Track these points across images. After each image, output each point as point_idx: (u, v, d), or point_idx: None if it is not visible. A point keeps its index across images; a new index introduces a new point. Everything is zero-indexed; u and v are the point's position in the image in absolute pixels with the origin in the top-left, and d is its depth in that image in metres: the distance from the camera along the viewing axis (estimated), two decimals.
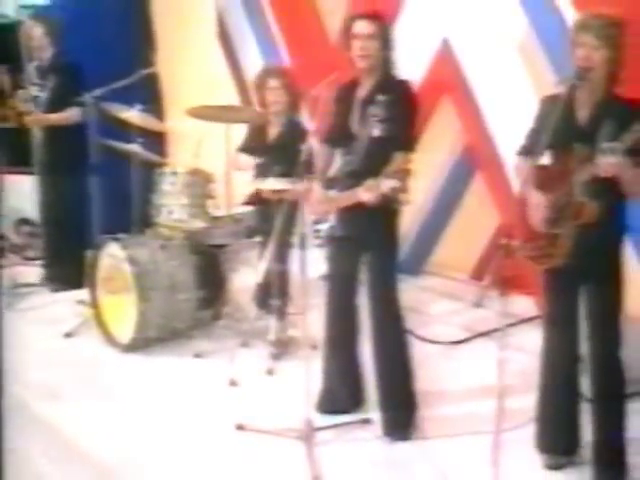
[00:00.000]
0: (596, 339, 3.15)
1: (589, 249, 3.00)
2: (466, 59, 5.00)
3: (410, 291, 5.55)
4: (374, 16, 3.52)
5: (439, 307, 5.38)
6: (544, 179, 3.06)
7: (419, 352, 4.37)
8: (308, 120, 4.63)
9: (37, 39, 5.58)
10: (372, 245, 3.52)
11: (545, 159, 3.10)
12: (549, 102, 3.10)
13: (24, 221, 6.88)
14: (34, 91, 5.61)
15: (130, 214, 5.11)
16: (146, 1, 6.89)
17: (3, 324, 3.06)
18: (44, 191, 5.83)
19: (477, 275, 5.59)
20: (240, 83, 6.67)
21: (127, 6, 6.68)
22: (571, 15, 4.27)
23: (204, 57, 6.79)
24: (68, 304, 5.33)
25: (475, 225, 5.35)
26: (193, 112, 4.34)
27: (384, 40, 3.50)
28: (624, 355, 3.21)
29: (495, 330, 4.69)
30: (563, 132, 2.99)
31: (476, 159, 5.18)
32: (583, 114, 3.05)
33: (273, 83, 4.60)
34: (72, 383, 4.28)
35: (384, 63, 3.52)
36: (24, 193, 6.22)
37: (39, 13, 5.98)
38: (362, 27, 3.48)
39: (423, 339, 4.73)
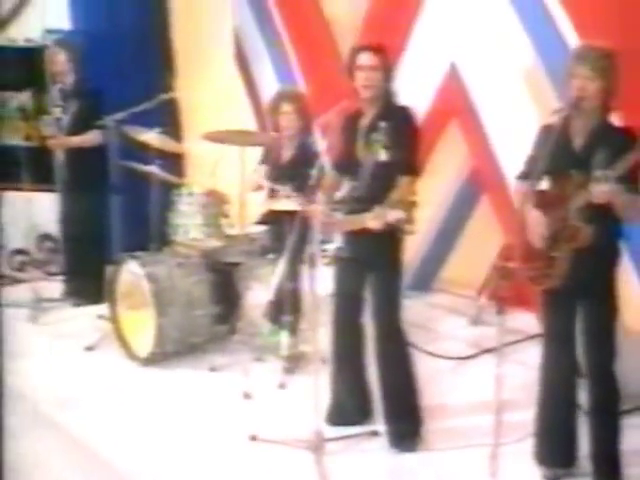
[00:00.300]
0: (592, 355, 3.34)
1: (584, 271, 3.19)
2: (473, 84, 5.21)
3: (419, 308, 5.83)
4: (377, 48, 3.74)
5: (447, 324, 5.56)
6: (542, 203, 3.26)
7: (427, 367, 4.60)
8: (320, 142, 4.85)
9: (60, 64, 5.85)
10: (376, 267, 3.73)
11: (543, 184, 3.31)
12: (547, 130, 3.29)
13: (46, 237, 7.09)
14: (57, 113, 5.88)
15: (148, 232, 5.33)
16: (166, 26, 7.11)
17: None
18: (65, 209, 6.08)
19: (483, 291, 5.77)
20: (256, 105, 6.91)
21: (147, 32, 6.88)
22: (575, 42, 4.49)
23: (221, 80, 7.02)
24: (89, 318, 5.56)
25: (483, 243, 5.52)
26: (209, 136, 4.57)
27: (386, 71, 3.73)
28: (625, 370, 3.39)
29: (504, 346, 4.92)
30: (559, 159, 3.19)
31: (482, 182, 5.38)
32: (579, 141, 3.25)
33: (286, 108, 4.82)
34: (93, 394, 4.50)
35: (386, 93, 3.74)
36: (46, 209, 6.52)
37: (63, 39, 6.21)
38: (366, 59, 3.70)
39: (431, 354, 4.93)
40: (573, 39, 4.54)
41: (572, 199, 3.13)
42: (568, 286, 3.23)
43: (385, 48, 3.78)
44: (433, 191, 5.37)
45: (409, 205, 3.40)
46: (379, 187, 3.59)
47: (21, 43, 6.76)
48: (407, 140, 3.66)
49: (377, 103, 3.74)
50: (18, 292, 6.11)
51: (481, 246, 5.54)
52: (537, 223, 3.25)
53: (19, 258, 7.05)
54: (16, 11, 6.87)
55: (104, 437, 4.02)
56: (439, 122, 5.40)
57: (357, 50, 3.74)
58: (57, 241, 6.82)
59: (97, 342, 5.12)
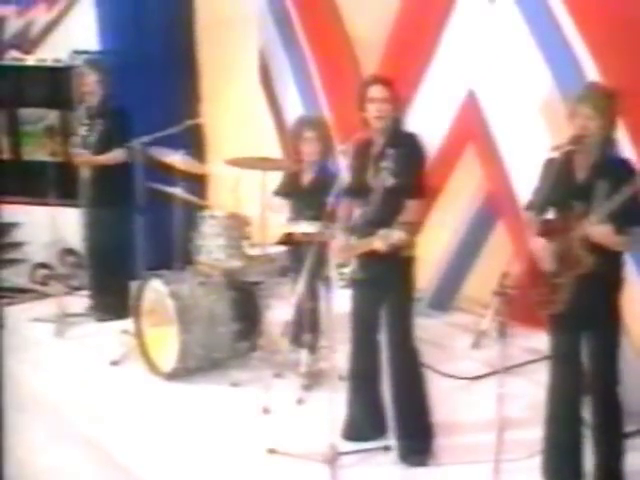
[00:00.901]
0: (596, 379, 3.60)
1: (587, 297, 3.45)
2: (490, 111, 5.50)
3: (437, 327, 6.10)
4: (387, 81, 4.06)
5: (464, 343, 5.80)
6: (546, 232, 3.52)
7: (441, 386, 4.88)
8: (339, 168, 5.14)
9: (89, 84, 6.14)
10: (389, 288, 4.01)
11: (549, 214, 3.57)
12: (551, 163, 3.55)
13: (69, 251, 7.34)
14: (83, 131, 6.20)
15: (172, 251, 5.63)
16: (192, 47, 7.44)
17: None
18: (90, 225, 6.37)
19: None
20: (280, 126, 7.21)
21: (173, 53, 7.20)
22: (591, 71, 4.76)
23: (246, 101, 7.35)
24: (113, 333, 5.87)
25: (502, 261, 5.78)
26: (232, 162, 4.87)
27: (395, 103, 4.03)
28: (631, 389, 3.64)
29: (517, 366, 5.17)
30: (563, 191, 3.46)
31: (498, 207, 5.64)
32: (581, 174, 3.51)
33: (308, 134, 5.09)
34: (119, 408, 4.81)
35: (395, 122, 4.04)
36: (69, 224, 6.78)
37: (92, 59, 6.51)
38: (377, 92, 4.01)
39: (445, 374, 5.18)
40: (590, 68, 4.82)
41: (574, 229, 3.39)
42: (573, 311, 3.48)
43: (394, 81, 4.09)
44: (451, 214, 5.65)
45: (414, 227, 3.70)
46: (388, 211, 3.91)
47: (49, 63, 7.05)
48: (414, 166, 3.97)
49: (386, 132, 4.04)
50: (43, 307, 6.44)
51: (501, 263, 5.79)
52: (542, 250, 3.51)
53: (42, 272, 7.35)
54: (46, 32, 7.25)
55: (129, 450, 4.31)
56: (456, 146, 5.69)
57: (368, 83, 4.06)
58: (80, 256, 7.11)
59: (122, 357, 5.41)
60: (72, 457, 4.25)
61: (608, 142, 3.48)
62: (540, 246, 3.53)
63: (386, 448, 4.15)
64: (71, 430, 4.56)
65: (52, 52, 7.10)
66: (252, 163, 4.77)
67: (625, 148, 4.49)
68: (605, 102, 3.44)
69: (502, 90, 5.39)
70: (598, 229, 3.27)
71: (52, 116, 7.21)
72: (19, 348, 5.54)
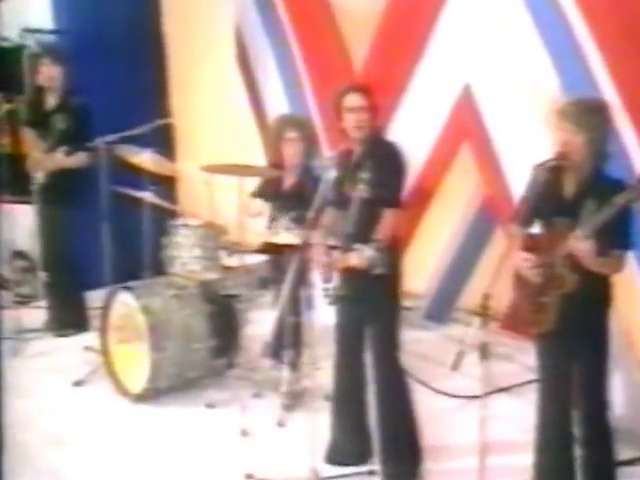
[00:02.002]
0: (583, 402, 4.29)
1: (573, 316, 4.13)
2: (488, 106, 6.20)
3: (433, 340, 6.83)
4: (364, 89, 4.76)
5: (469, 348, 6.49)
6: (532, 247, 4.22)
7: (434, 405, 5.59)
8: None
9: (49, 76, 6.78)
10: (371, 305, 4.71)
11: (535, 228, 4.29)
12: (539, 174, 4.25)
13: (18, 254, 7.97)
14: (38, 127, 6.84)
15: (140, 259, 6.32)
16: (159, 29, 8.18)
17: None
18: (45, 229, 7.00)
19: (507, 324, 6.74)
20: (261, 119, 7.98)
21: (139, 36, 7.95)
22: (598, 62, 5.48)
23: (222, 90, 8.10)
24: (74, 350, 6.58)
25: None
26: (208, 168, 5.58)
27: (373, 111, 4.71)
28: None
29: (515, 385, 5.90)
30: (549, 206, 4.16)
31: (495, 209, 6.37)
32: (569, 190, 4.18)
33: (291, 134, 5.81)
34: (83, 433, 5.49)
35: (373, 131, 4.74)
36: (18, 224, 7.38)
37: (52, 47, 7.16)
38: (355, 100, 4.69)
39: (439, 392, 5.91)
40: (597, 62, 5.49)
41: (559, 246, 4.10)
42: (559, 331, 4.18)
43: (371, 88, 4.79)
44: (447, 219, 6.38)
45: (394, 242, 4.45)
46: (366, 224, 4.61)
47: None
48: (392, 175, 4.69)
49: (365, 142, 4.74)
50: None
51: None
52: (527, 267, 4.23)
53: None
54: None
55: (95, 477, 4.99)
56: (451, 145, 6.45)
57: (344, 92, 4.73)
58: (31, 259, 7.74)
59: (86, 376, 6.11)
60: None
61: (598, 157, 4.13)
62: (524, 262, 4.23)
63: (370, 472, 4.87)
64: (35, 457, 5.21)
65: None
66: (230, 170, 5.46)
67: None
68: (590, 117, 4.09)
69: (501, 85, 6.09)
70: (581, 245, 3.95)
71: None
72: None
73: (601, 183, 4.14)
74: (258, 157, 7.19)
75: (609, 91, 5.41)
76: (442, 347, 6.69)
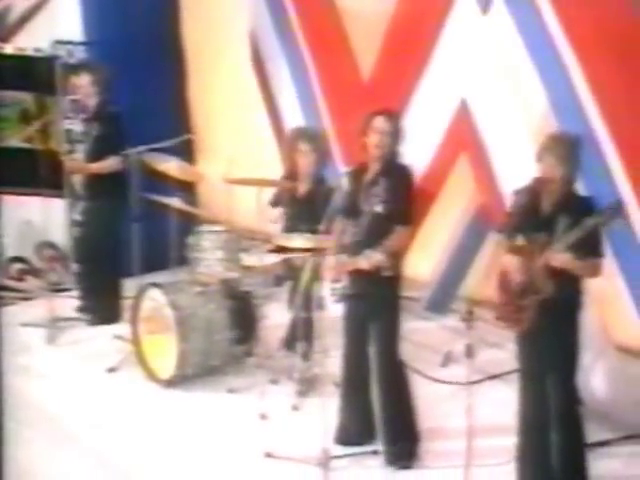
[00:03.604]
0: (555, 393, 4.91)
1: (549, 318, 4.77)
2: (483, 120, 6.88)
3: (433, 330, 7.45)
4: (392, 115, 5.39)
5: (457, 348, 7.13)
6: (515, 257, 4.87)
7: (433, 392, 6.22)
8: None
9: (84, 88, 7.44)
10: (375, 304, 5.34)
11: (519, 239, 4.92)
12: (520, 194, 4.89)
13: (47, 244, 8.55)
14: (76, 135, 7.53)
15: (167, 252, 7.02)
16: (179, 40, 8.86)
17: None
18: (82, 231, 7.69)
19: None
20: (276, 123, 8.66)
21: (161, 48, 8.64)
22: (581, 80, 6.11)
23: (236, 85, 8.80)
24: (106, 339, 7.24)
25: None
26: (229, 181, 6.29)
27: (395, 135, 5.34)
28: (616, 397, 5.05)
29: (507, 373, 6.51)
30: (530, 222, 4.80)
31: (490, 216, 7.02)
32: (546, 207, 4.82)
33: (304, 147, 6.45)
34: (117, 415, 6.17)
35: (391, 154, 5.36)
36: (47, 215, 8.13)
37: (88, 63, 7.83)
38: (380, 123, 5.31)
39: (436, 380, 6.55)
40: (580, 80, 6.17)
41: (538, 258, 4.73)
42: (536, 329, 4.83)
43: (399, 114, 5.47)
44: (444, 222, 7.05)
45: (399, 251, 5.09)
46: (376, 234, 5.25)
47: (29, 52, 8.27)
48: (403, 196, 5.31)
49: (381, 161, 5.36)
50: (31, 310, 7.75)
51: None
52: (510, 272, 4.85)
53: (17, 266, 8.54)
54: (25, 19, 8.50)
55: (129, 456, 5.66)
56: (450, 156, 7.13)
57: (375, 113, 5.35)
58: (59, 249, 8.41)
59: (119, 364, 6.77)
60: (72, 466, 5.56)
61: (570, 182, 4.81)
62: (509, 265, 4.87)
63: (374, 452, 5.53)
64: (72, 439, 5.90)
65: (32, 41, 8.28)
66: (249, 182, 6.17)
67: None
68: (568, 151, 4.76)
69: (495, 100, 6.77)
70: (559, 257, 4.60)
71: (27, 99, 8.39)
72: (9, 354, 6.87)
73: (574, 202, 4.81)
74: (274, 159, 7.99)
75: (590, 106, 6.18)
76: (440, 337, 7.29)
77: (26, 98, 8.45)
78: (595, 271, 4.84)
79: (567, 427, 4.97)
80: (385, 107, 5.53)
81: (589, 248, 4.70)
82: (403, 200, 5.33)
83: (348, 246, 5.43)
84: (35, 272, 8.59)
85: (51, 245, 8.58)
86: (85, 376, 6.79)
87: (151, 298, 6.60)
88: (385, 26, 7.45)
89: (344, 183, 5.45)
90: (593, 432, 5.34)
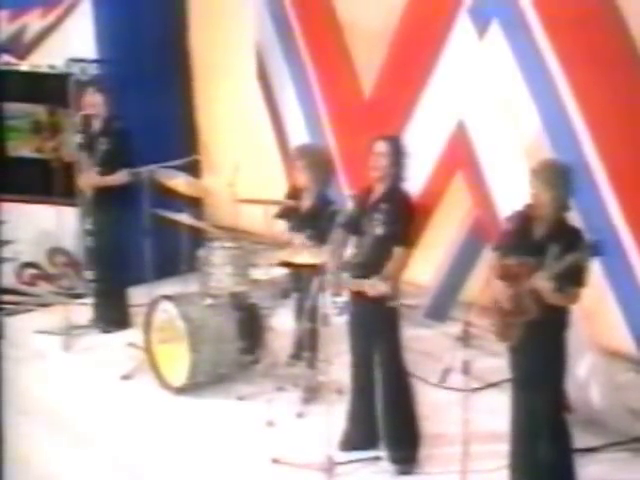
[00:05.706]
0: (542, 404, 5.15)
1: (534, 338, 5.00)
2: (479, 140, 7.19)
3: (433, 337, 7.69)
4: (390, 138, 5.66)
5: (455, 363, 7.35)
6: (505, 276, 5.10)
7: (434, 398, 6.42)
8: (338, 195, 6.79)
9: (94, 104, 7.71)
10: (376, 320, 5.61)
11: (510, 260, 5.17)
12: (514, 217, 5.14)
13: (58, 250, 8.78)
14: (85, 150, 7.77)
15: (177, 260, 7.26)
16: (188, 58, 9.15)
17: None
18: (94, 241, 7.91)
19: None
20: (280, 136, 8.97)
21: (171, 67, 8.94)
22: (573, 105, 6.39)
23: (245, 111, 9.10)
24: (119, 346, 7.51)
25: None
26: (237, 200, 6.63)
27: (394, 158, 5.59)
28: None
29: (506, 381, 6.74)
30: (521, 246, 5.04)
31: (485, 232, 7.31)
32: (538, 232, 5.05)
33: (298, 163, 6.70)
34: (132, 421, 6.45)
35: (392, 177, 5.62)
36: (59, 223, 8.37)
37: (99, 81, 8.07)
38: (379, 147, 5.58)
39: (438, 387, 6.77)
40: (572, 105, 6.48)
41: (526, 280, 4.94)
42: (522, 347, 5.07)
43: (399, 138, 5.74)
44: (441, 236, 7.34)
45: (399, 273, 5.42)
46: (376, 257, 5.53)
47: (44, 69, 8.54)
48: (404, 220, 5.57)
49: (383, 184, 5.62)
50: (46, 317, 8.05)
51: None
52: (499, 291, 5.07)
53: (30, 272, 8.80)
54: (41, 38, 8.76)
55: (142, 461, 5.94)
56: (446, 174, 7.45)
57: (376, 139, 5.62)
58: (71, 255, 8.66)
59: (132, 371, 7.03)
60: (86, 470, 5.83)
61: (562, 209, 5.02)
62: (497, 287, 5.09)
63: (377, 458, 5.80)
64: (86, 443, 6.15)
65: (47, 58, 8.56)
66: (255, 202, 6.55)
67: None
68: (557, 177, 4.98)
69: (490, 122, 7.09)
70: (541, 284, 4.84)
71: (39, 111, 8.64)
72: (24, 361, 7.16)
73: (563, 231, 5.03)
74: (279, 175, 8.30)
75: (582, 130, 6.48)
76: (440, 345, 7.36)
77: (38, 110, 8.68)
78: (574, 300, 5.04)
79: (555, 435, 5.20)
80: (387, 132, 5.84)
81: (572, 278, 4.91)
82: (403, 223, 5.58)
83: (349, 265, 5.69)
84: (47, 277, 8.85)
85: (63, 251, 8.82)
86: (99, 382, 7.05)
87: (163, 310, 6.88)
88: (387, 43, 7.75)
89: (349, 205, 5.70)
90: (582, 438, 5.58)
